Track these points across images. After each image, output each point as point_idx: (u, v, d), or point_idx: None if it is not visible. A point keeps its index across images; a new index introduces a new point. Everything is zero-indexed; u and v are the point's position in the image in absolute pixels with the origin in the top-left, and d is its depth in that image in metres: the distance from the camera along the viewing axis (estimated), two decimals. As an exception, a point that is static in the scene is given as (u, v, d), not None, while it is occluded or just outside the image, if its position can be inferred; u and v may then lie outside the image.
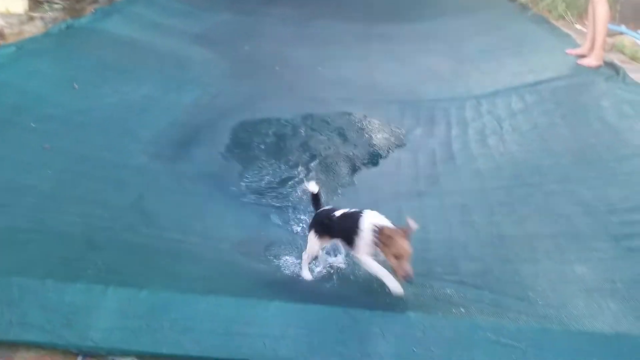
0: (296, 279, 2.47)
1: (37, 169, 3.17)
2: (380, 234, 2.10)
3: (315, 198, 2.61)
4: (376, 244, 2.13)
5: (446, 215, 3.09)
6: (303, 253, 2.53)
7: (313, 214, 2.61)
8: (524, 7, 7.22)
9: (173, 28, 6.30)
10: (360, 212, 2.27)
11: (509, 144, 3.84)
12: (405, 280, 2.05)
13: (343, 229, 2.32)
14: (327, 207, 2.59)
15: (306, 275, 2.49)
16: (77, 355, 1.89)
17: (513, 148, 3.78)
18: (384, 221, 2.18)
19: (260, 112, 4.38)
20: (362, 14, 7.53)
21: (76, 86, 4.24)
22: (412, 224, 2.09)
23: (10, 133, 3.45)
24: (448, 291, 2.35)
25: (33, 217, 2.73)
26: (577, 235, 2.75)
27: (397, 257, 2.05)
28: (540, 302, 2.20)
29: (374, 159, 3.81)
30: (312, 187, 2.58)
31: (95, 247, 2.51)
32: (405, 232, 2.09)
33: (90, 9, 6.59)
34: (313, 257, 2.50)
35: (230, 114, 4.32)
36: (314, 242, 2.44)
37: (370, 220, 2.19)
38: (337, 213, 2.39)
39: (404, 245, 2.05)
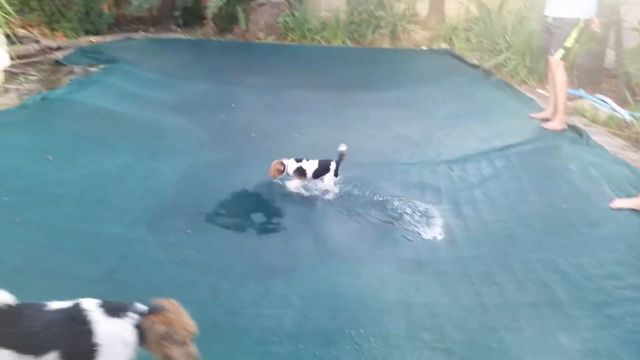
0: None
1: (7, 243, 3.12)
2: None
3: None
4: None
5: (427, 282, 3.09)
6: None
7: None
8: (488, 73, 7.61)
9: (149, 98, 6.39)
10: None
11: (482, 212, 3.91)
12: None
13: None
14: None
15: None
16: None
17: (486, 217, 3.85)
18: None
19: (238, 178, 4.40)
20: (335, 83, 7.80)
21: (50, 158, 4.22)
22: None
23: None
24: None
25: (1, 296, 2.66)
26: (556, 303, 2.79)
27: None
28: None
29: (349, 220, 3.82)
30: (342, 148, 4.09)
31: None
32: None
33: (66, 80, 6.67)
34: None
35: (207, 181, 4.32)
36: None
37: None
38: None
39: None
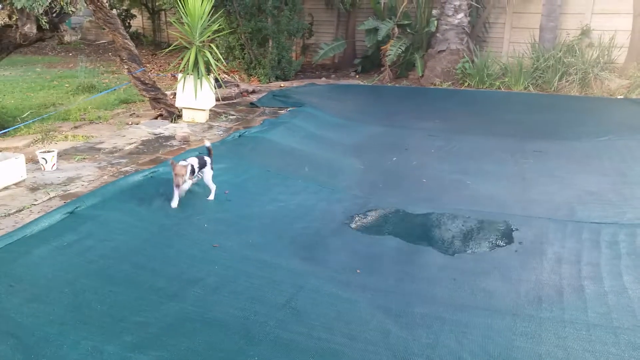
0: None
1: (206, 264, 3.54)
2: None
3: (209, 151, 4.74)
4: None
5: (623, 355, 2.72)
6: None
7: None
8: (703, 128, 6.59)
9: (329, 139, 6.81)
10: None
11: (694, 284, 3.34)
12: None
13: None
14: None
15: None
16: None
17: (700, 289, 3.28)
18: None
19: (407, 223, 4.40)
20: (515, 130, 7.45)
21: (226, 192, 4.75)
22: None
23: (187, 231, 3.93)
24: None
25: (199, 308, 3.06)
26: None
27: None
28: None
29: (526, 278, 3.54)
30: (208, 144, 4.74)
31: (252, 341, 2.77)
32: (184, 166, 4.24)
33: (259, 120, 7.45)
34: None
35: (377, 223, 4.40)
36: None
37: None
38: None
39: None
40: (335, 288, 3.42)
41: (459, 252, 3.94)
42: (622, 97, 9.12)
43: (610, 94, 9.30)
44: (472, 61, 10.49)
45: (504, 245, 4.02)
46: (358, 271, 3.65)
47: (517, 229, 4.25)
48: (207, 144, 4.79)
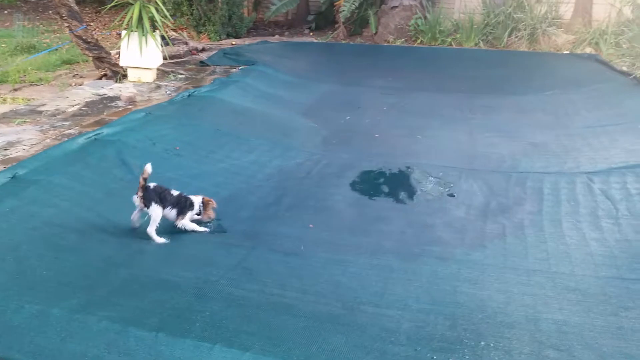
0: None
1: (156, 232, 3.47)
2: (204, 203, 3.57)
3: (145, 180, 3.42)
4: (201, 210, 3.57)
5: (558, 297, 2.88)
6: (149, 228, 3.39)
7: (148, 190, 3.41)
8: (640, 81, 6.87)
9: (282, 98, 6.74)
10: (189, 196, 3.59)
11: (625, 230, 3.55)
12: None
13: (179, 204, 3.50)
14: (157, 185, 3.51)
15: (157, 239, 3.39)
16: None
17: (630, 235, 3.49)
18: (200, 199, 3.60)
19: (358, 177, 4.48)
20: (465, 86, 7.57)
21: (177, 148, 4.64)
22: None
23: (131, 195, 3.79)
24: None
25: (149, 272, 3.04)
26: None
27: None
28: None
29: (476, 229, 3.68)
30: (148, 169, 3.37)
31: (203, 298, 2.77)
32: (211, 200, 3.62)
33: (209, 79, 7.26)
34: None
35: (329, 179, 4.44)
36: (157, 210, 3.41)
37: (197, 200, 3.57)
38: (174, 193, 3.53)
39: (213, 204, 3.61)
40: (288, 245, 3.45)
41: (408, 204, 4.05)
42: (567, 52, 9.36)
43: (557, 50, 9.53)
44: (425, 17, 10.48)
45: (451, 197, 4.15)
46: (311, 226, 3.70)
47: (464, 181, 4.38)
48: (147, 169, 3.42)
